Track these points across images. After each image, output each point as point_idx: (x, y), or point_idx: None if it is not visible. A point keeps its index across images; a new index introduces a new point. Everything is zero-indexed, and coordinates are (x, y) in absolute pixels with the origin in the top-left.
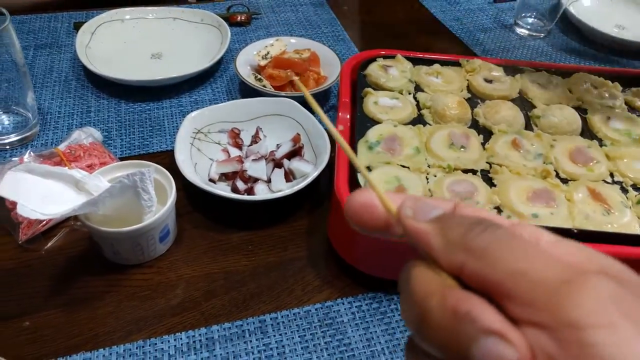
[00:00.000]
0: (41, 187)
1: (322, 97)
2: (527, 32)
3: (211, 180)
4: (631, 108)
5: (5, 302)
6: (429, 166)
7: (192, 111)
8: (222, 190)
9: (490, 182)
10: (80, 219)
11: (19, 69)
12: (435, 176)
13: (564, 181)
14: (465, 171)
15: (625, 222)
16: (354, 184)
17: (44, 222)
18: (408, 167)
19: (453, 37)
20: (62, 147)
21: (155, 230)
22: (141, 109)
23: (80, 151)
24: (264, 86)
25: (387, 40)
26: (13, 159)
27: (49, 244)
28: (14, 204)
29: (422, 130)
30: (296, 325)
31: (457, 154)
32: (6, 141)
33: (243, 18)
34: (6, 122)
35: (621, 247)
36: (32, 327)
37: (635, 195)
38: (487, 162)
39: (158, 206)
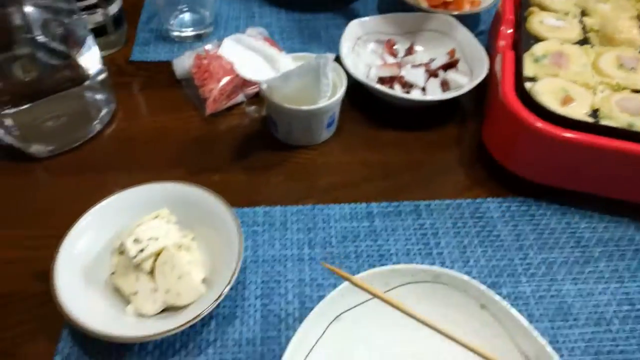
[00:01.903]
0: (248, 56)
1: (472, 22)
2: None
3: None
4: None
5: (195, 159)
6: (597, 83)
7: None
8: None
9: None
10: (266, 96)
11: None
12: (603, 92)
13: None
14: (634, 92)
15: None
16: (521, 92)
17: (226, 100)
18: (576, 82)
19: None
20: None
21: (326, 115)
22: (299, 17)
23: None
24: (418, 2)
25: None
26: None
27: (228, 121)
28: (203, 82)
29: (590, 50)
30: (448, 213)
31: (626, 74)
32: (184, 34)
33: None
34: (187, 19)
35: None
36: (220, 181)
37: None
38: None
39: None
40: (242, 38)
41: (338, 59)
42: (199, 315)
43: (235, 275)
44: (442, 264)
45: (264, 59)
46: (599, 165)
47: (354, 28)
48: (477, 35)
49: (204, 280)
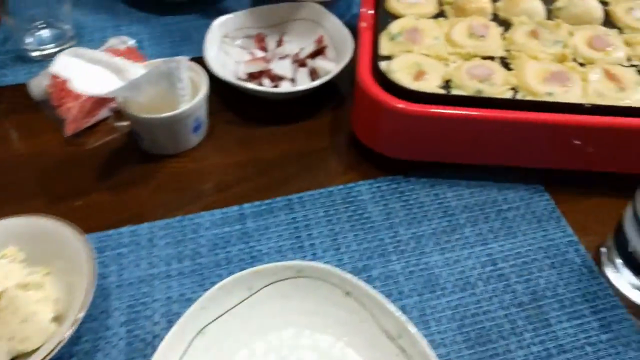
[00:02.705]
0: (88, 70)
1: (346, 4)
2: None
3: (240, 79)
4: None
5: (56, 186)
6: (449, 54)
7: None
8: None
9: (508, 67)
10: (122, 108)
11: None
12: (455, 63)
13: (581, 65)
14: (485, 58)
15: (639, 98)
16: (376, 72)
17: (88, 118)
18: (429, 56)
19: None
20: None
21: (189, 119)
22: (169, 21)
23: (117, 55)
24: None
25: None
26: None
27: (92, 139)
28: (60, 101)
29: (443, 23)
30: (320, 202)
31: (476, 42)
32: (45, 52)
33: None
34: (46, 35)
35: (634, 119)
36: (83, 206)
37: None
38: (506, 50)
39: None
40: (81, 51)
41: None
42: (46, 356)
43: (86, 306)
44: (314, 256)
45: (109, 70)
46: (456, 134)
47: (218, 27)
48: (352, 18)
49: (57, 318)
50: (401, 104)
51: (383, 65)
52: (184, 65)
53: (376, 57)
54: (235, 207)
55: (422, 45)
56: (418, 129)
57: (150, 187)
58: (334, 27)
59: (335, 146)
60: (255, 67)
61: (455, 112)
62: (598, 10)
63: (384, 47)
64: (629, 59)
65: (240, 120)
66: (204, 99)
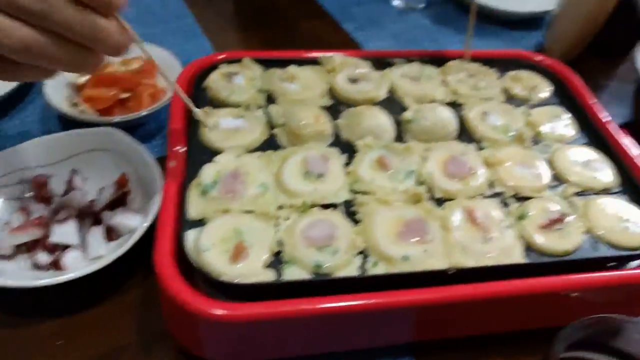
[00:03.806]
0: None
1: (156, 120)
2: (403, 4)
3: (3, 257)
4: (510, 97)
5: None
6: (280, 207)
7: None
8: (14, 273)
9: (354, 216)
10: None
11: None
12: (288, 219)
13: (440, 202)
14: (325, 206)
15: (505, 246)
16: (181, 253)
17: None
18: (254, 213)
19: (323, 13)
20: None
21: None
22: None
23: None
24: (82, 112)
25: (249, 29)
26: None
27: None
28: None
29: (273, 158)
30: None
31: (314, 186)
32: None
33: None
34: None
35: (501, 282)
36: None
37: (518, 207)
38: (351, 190)
39: None
40: None
41: None
42: None
43: None
44: None
45: None
46: (295, 331)
47: None
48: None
49: None
50: (214, 308)
51: (190, 240)
52: None
53: (183, 224)
54: None
55: (244, 198)
56: (244, 334)
57: None
58: (137, 156)
59: (145, 341)
60: (24, 238)
61: (290, 309)
62: (451, 122)
63: (194, 207)
64: (491, 185)
65: (7, 318)
66: None
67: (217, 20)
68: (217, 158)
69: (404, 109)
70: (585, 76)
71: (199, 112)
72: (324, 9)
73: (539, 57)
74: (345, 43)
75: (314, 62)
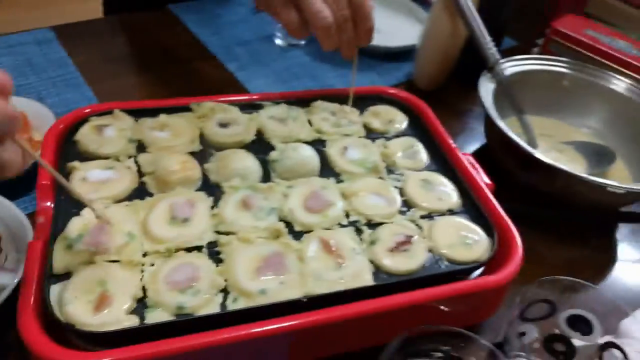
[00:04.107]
0: None
1: (27, 176)
2: (285, 42)
3: None
4: (369, 131)
5: None
6: (145, 255)
7: None
8: None
9: (218, 256)
10: None
11: None
12: (153, 265)
13: (299, 235)
14: (190, 249)
15: (356, 271)
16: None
17: None
18: (120, 262)
19: (208, 54)
20: None
21: None
22: None
23: None
24: None
25: (132, 74)
26: None
27: None
28: None
29: (141, 206)
30: None
31: (178, 230)
32: None
33: None
34: None
35: (350, 304)
36: None
37: (370, 234)
38: (215, 232)
39: None
40: None
41: None
42: None
43: None
44: None
45: None
46: None
47: None
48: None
49: None
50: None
51: (54, 294)
52: None
53: (47, 279)
54: None
55: (110, 249)
56: None
57: None
58: (12, 218)
59: None
60: None
61: (148, 352)
62: (313, 159)
63: (59, 261)
64: (347, 215)
65: None
66: None
67: (101, 67)
68: (84, 211)
69: (272, 149)
70: (450, 102)
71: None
72: (209, 50)
73: (392, 91)
74: (230, 83)
75: (187, 109)
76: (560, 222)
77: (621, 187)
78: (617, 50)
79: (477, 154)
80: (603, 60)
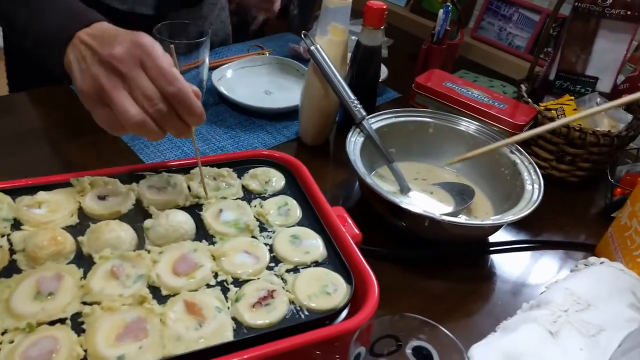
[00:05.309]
0: None
1: None
2: None
3: None
4: (249, 192)
5: None
6: (4, 332)
7: None
8: None
9: (82, 327)
10: None
11: None
12: (12, 342)
13: (165, 299)
14: (54, 322)
15: (217, 328)
16: None
17: None
18: None
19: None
20: None
21: None
22: None
23: None
24: None
25: (22, 151)
26: None
27: None
28: None
29: (6, 284)
30: None
31: (42, 305)
32: None
33: None
34: None
35: None
36: None
37: (236, 292)
38: (82, 302)
39: None
40: None
41: None
42: None
43: None
44: None
45: None
46: None
47: None
48: None
49: None
50: None
51: None
52: None
53: None
54: None
55: None
56: None
57: None
58: None
59: None
60: None
61: None
62: (186, 224)
63: None
64: (215, 275)
65: None
66: None
67: None
68: None
69: (150, 217)
70: (334, 155)
71: None
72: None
73: (266, 152)
74: (124, 153)
75: (67, 184)
76: (435, 257)
77: (465, 223)
78: (470, 99)
79: (358, 203)
80: (459, 108)
